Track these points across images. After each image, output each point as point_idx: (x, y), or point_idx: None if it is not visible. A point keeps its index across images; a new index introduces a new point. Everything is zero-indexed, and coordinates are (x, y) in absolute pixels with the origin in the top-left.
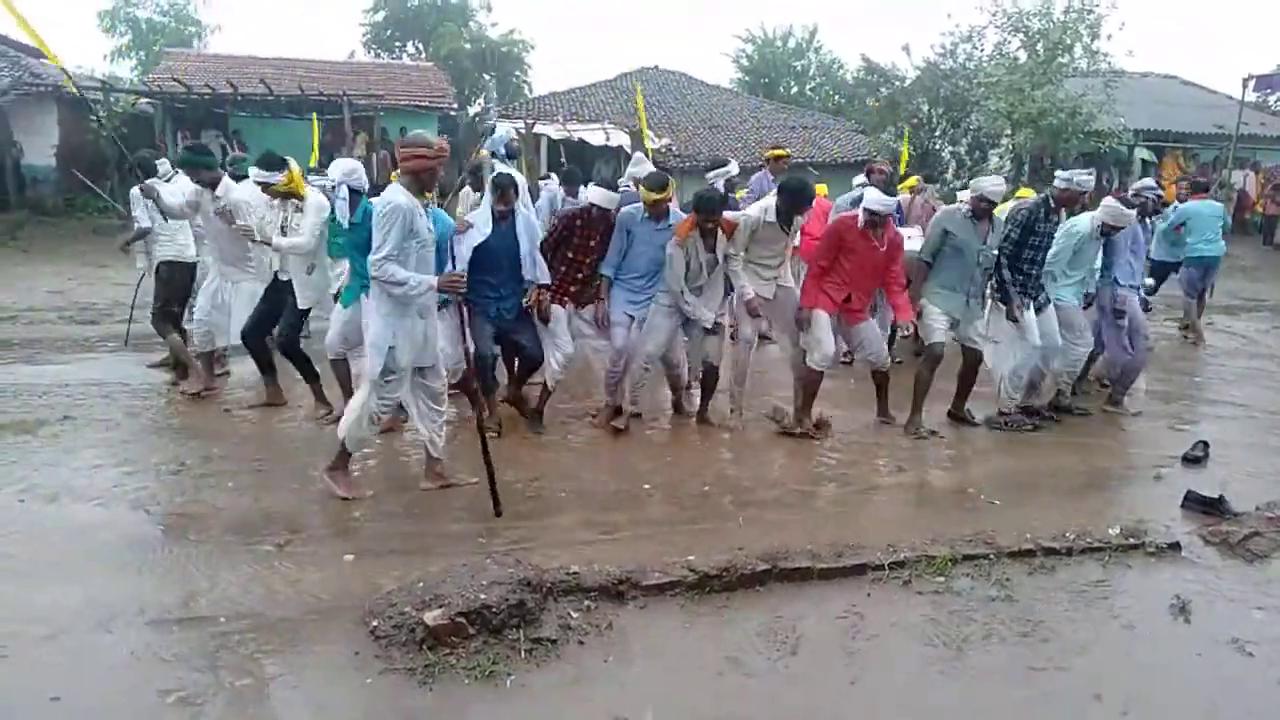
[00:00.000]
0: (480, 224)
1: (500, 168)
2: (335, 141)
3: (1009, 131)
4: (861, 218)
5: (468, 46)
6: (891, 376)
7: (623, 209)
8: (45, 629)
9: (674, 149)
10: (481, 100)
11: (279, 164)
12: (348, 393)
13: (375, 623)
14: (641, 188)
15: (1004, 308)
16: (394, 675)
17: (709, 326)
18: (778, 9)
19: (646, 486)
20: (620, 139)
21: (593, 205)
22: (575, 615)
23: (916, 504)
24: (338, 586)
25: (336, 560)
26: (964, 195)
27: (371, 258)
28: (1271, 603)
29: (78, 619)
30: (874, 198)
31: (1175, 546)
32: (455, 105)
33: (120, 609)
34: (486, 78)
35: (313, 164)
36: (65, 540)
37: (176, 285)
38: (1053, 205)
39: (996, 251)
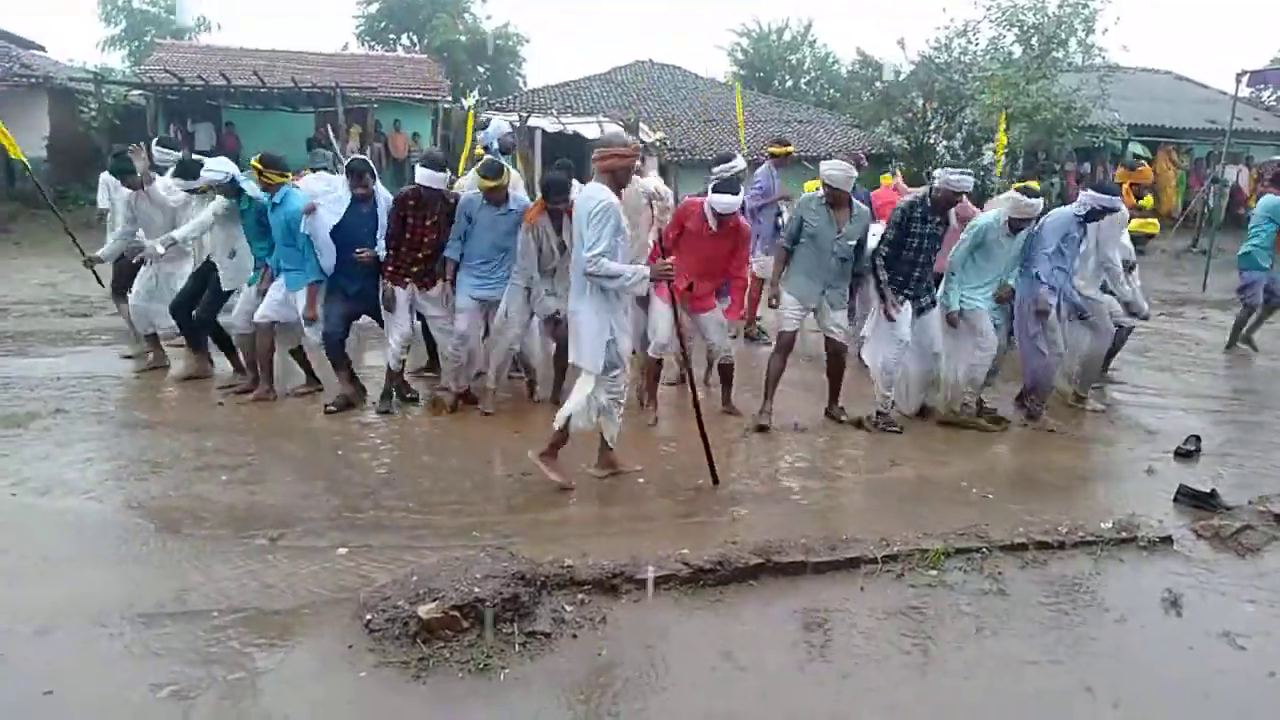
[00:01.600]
0: (332, 205)
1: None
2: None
3: (1004, 126)
4: (711, 220)
5: (462, 39)
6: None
7: (465, 194)
8: (37, 623)
9: (669, 143)
10: (475, 94)
11: (195, 173)
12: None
13: (369, 616)
14: (476, 175)
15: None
16: (387, 669)
17: (554, 312)
18: (772, 3)
19: (641, 480)
20: (615, 132)
21: (420, 186)
22: (569, 609)
23: (909, 498)
24: (331, 580)
25: (330, 553)
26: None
27: (588, 254)
28: (1263, 596)
29: (70, 613)
30: (720, 201)
31: (1167, 540)
32: (449, 98)
33: (112, 603)
34: (482, 70)
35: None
36: (57, 534)
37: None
38: (929, 205)
39: (854, 243)
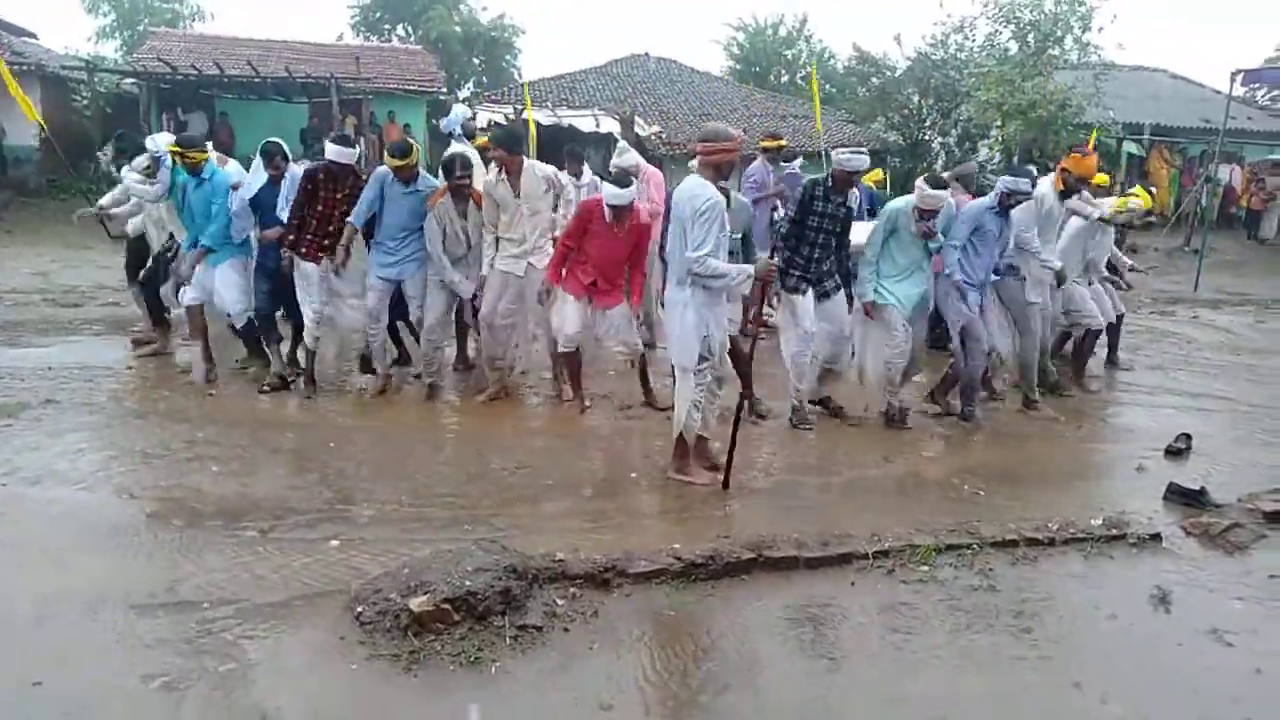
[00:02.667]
0: (253, 184)
1: (457, 147)
2: (322, 125)
3: (999, 123)
4: (608, 213)
5: (458, 30)
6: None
7: (379, 167)
8: (28, 613)
9: (664, 136)
10: (470, 85)
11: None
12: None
13: (360, 609)
14: (386, 154)
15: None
16: (379, 661)
17: (467, 297)
18: None
19: (633, 475)
20: (610, 125)
21: (330, 161)
22: (561, 602)
23: (901, 494)
24: (323, 572)
25: (321, 546)
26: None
27: (693, 254)
28: (1251, 593)
29: (61, 603)
30: (610, 192)
31: (1157, 538)
32: (445, 89)
33: (104, 594)
34: (478, 61)
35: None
36: (48, 525)
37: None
38: (830, 185)
39: (739, 235)
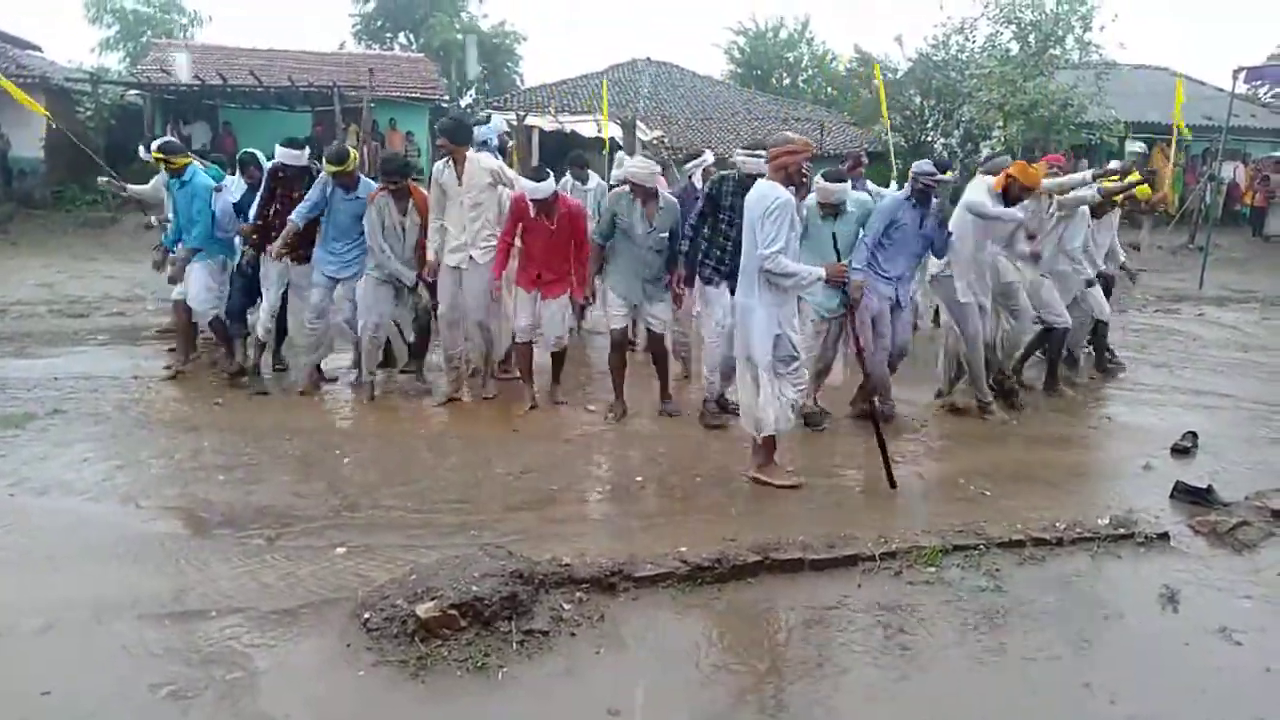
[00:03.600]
0: (235, 191)
1: (486, 158)
2: (326, 133)
3: (1001, 123)
4: (531, 208)
5: (459, 37)
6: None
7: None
8: (36, 623)
9: (666, 141)
10: (473, 92)
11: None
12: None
13: (367, 615)
14: (324, 159)
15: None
16: (386, 667)
17: (409, 285)
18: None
19: (638, 478)
20: (612, 130)
21: (283, 164)
22: (567, 607)
23: (907, 495)
24: (329, 579)
25: (328, 553)
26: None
27: (765, 251)
28: (1259, 592)
29: (68, 613)
30: (528, 187)
31: (1164, 536)
32: (446, 96)
33: (111, 603)
34: (481, 68)
35: None
36: (55, 534)
37: None
38: (737, 181)
39: (665, 234)
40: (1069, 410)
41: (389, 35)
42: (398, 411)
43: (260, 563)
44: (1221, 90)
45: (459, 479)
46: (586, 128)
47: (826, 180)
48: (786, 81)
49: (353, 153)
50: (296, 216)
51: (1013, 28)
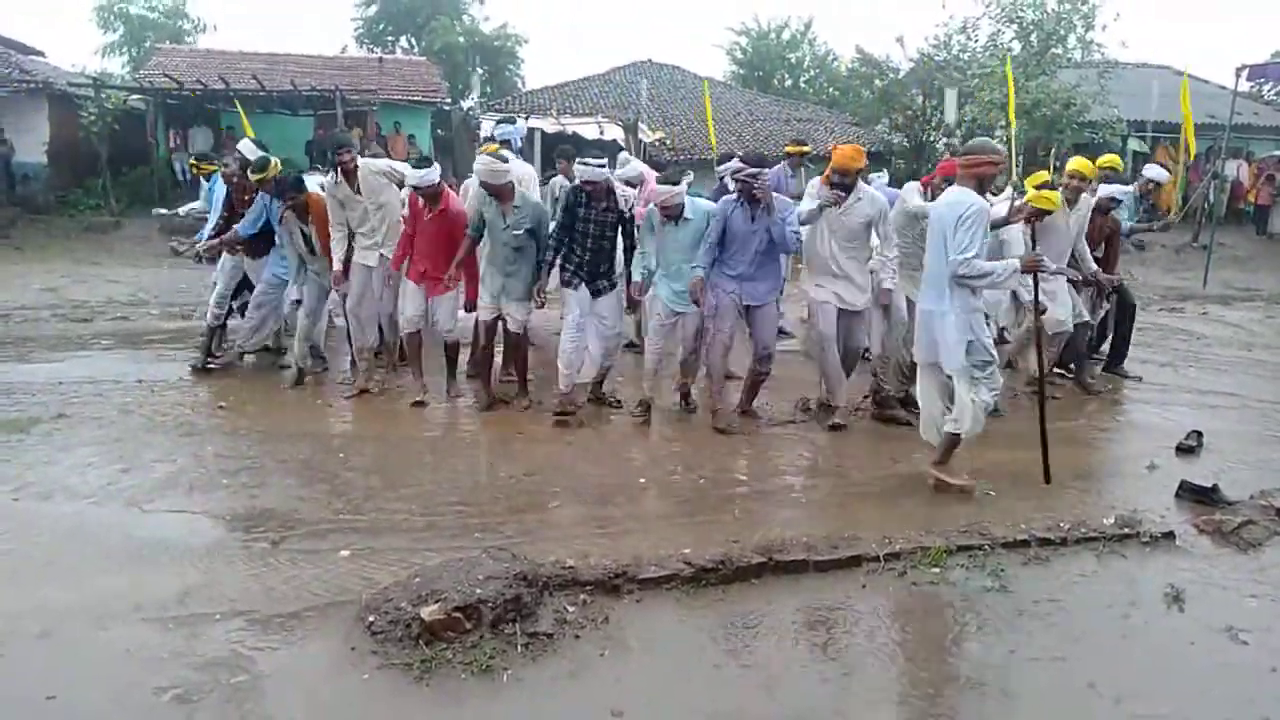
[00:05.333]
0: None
1: (376, 161)
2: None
3: (1003, 123)
4: (420, 201)
5: (461, 40)
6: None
7: None
8: (40, 627)
9: (668, 142)
10: (474, 95)
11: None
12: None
13: (371, 618)
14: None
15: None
16: (390, 670)
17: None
18: (772, 1)
19: (642, 480)
20: (614, 133)
21: (243, 169)
22: (571, 609)
23: (911, 495)
24: (333, 582)
25: (332, 556)
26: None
27: (959, 257)
28: (1265, 591)
29: (73, 617)
30: (414, 175)
31: (1169, 536)
32: (448, 99)
33: (115, 606)
34: (481, 71)
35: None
36: (59, 538)
37: None
38: (588, 192)
39: (521, 232)
40: (1073, 410)
41: (391, 39)
42: (401, 415)
43: (264, 566)
44: (1225, 88)
45: (462, 481)
46: (589, 130)
47: (660, 184)
48: (788, 82)
49: (273, 161)
50: (241, 228)
51: (1014, 27)
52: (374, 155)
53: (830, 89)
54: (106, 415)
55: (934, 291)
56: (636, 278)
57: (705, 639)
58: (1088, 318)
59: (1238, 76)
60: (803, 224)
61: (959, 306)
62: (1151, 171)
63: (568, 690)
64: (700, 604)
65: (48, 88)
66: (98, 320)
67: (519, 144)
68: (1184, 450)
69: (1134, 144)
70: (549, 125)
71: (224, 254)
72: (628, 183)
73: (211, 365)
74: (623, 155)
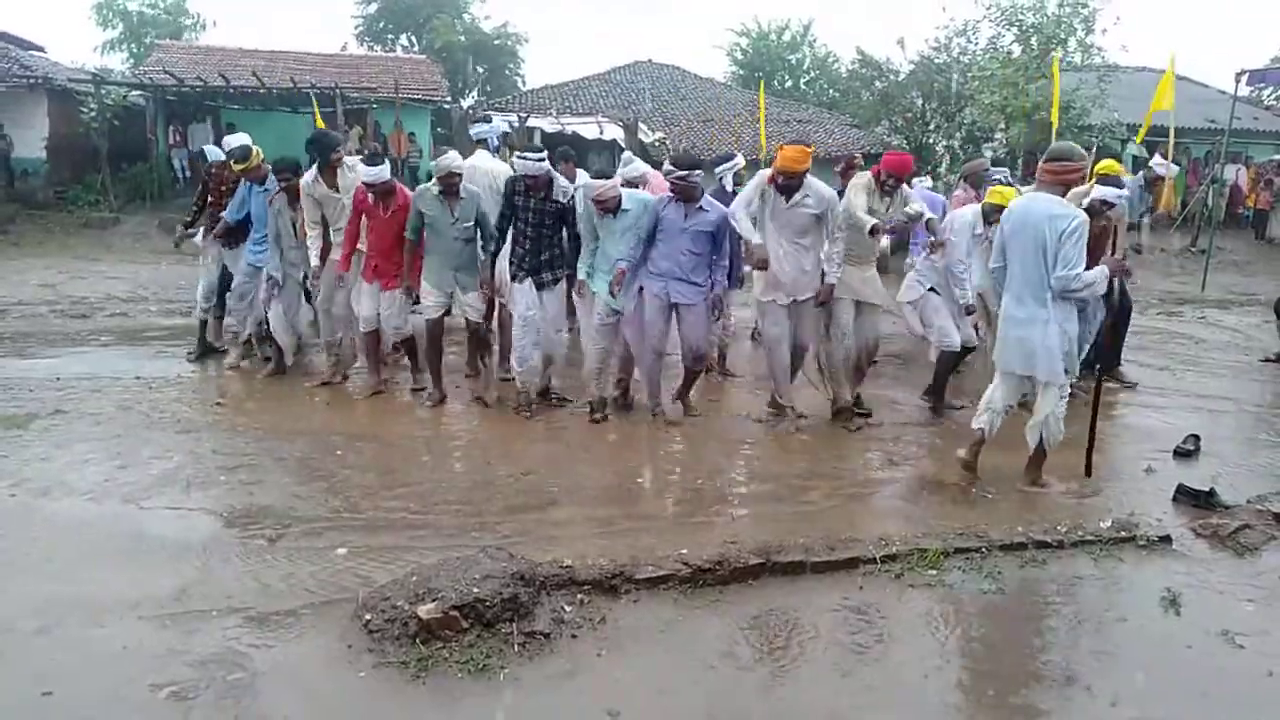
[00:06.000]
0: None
1: (356, 164)
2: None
3: (1003, 126)
4: (369, 196)
5: (461, 39)
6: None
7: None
8: (37, 623)
9: (668, 143)
10: (474, 94)
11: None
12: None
13: (368, 616)
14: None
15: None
16: (387, 669)
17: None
18: (772, 3)
19: (639, 480)
20: (614, 132)
21: (222, 161)
22: (568, 609)
23: (908, 497)
24: (330, 580)
25: (329, 554)
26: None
27: (1068, 272)
28: (1261, 595)
29: (69, 613)
30: (365, 172)
31: (1166, 539)
32: (449, 98)
33: (112, 603)
34: (479, 70)
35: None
36: (56, 534)
37: None
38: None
39: (469, 224)
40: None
41: (391, 37)
42: (399, 413)
43: (261, 563)
44: (1224, 93)
45: (460, 480)
46: (588, 129)
47: (592, 179)
48: (789, 83)
49: (255, 150)
50: (229, 213)
51: (1014, 30)
52: (373, 154)
53: (830, 90)
54: (104, 411)
55: (1032, 301)
56: (581, 275)
57: (702, 640)
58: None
59: (1237, 81)
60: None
61: (1060, 317)
62: (1154, 163)
63: (564, 690)
64: (698, 604)
65: (48, 83)
66: (96, 316)
67: (495, 142)
68: (1181, 454)
69: (1133, 148)
70: (549, 125)
71: (206, 248)
72: (631, 183)
73: (229, 363)
74: (626, 155)
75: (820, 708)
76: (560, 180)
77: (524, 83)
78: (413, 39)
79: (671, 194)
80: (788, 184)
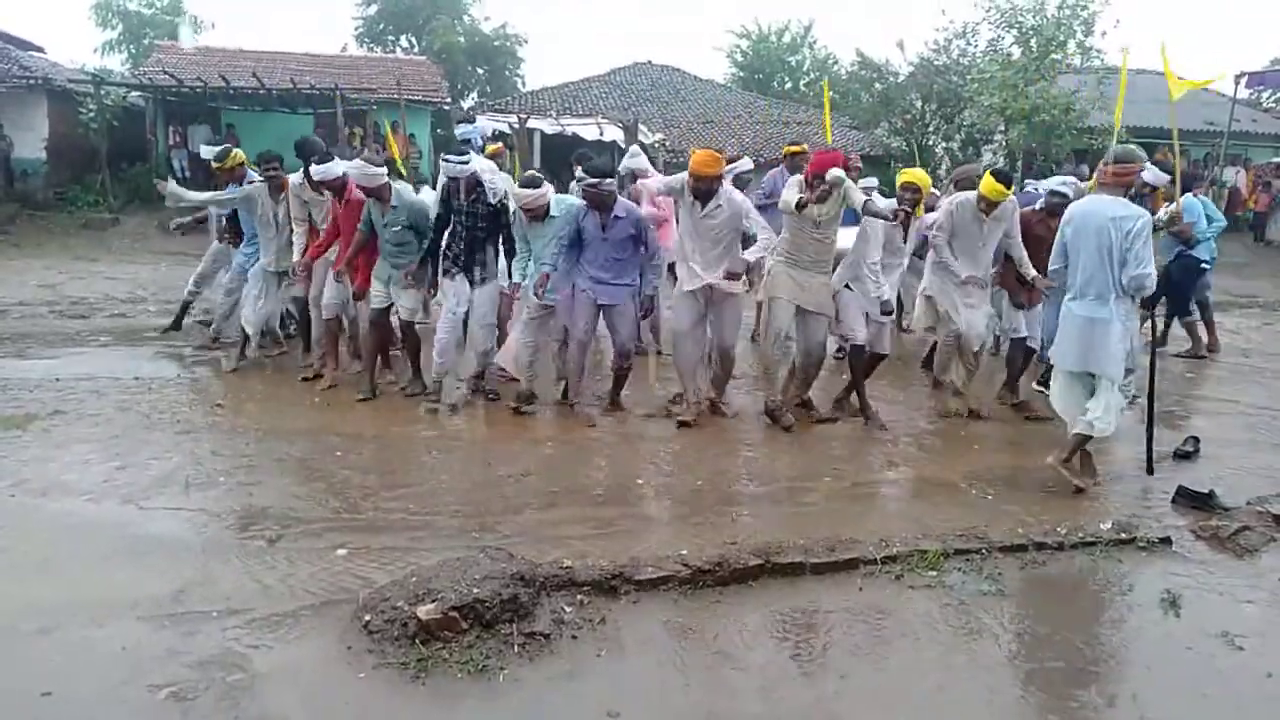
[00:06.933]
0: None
1: (476, 159)
2: (328, 136)
3: (1002, 128)
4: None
5: (461, 40)
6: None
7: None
8: (36, 624)
9: (668, 144)
10: (474, 95)
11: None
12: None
13: (368, 617)
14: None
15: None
16: (387, 670)
17: (278, 271)
18: (772, 4)
19: (639, 481)
20: (614, 133)
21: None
22: (568, 610)
23: (908, 498)
24: (330, 581)
25: (328, 555)
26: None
27: (1143, 271)
28: (1261, 596)
29: (68, 614)
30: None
31: (1166, 541)
32: (448, 99)
33: (111, 604)
34: (481, 71)
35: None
36: (56, 535)
37: None
38: (465, 181)
39: (399, 228)
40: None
41: (391, 38)
42: (398, 413)
43: (260, 564)
44: (1224, 95)
45: (460, 481)
46: (588, 130)
47: (522, 185)
48: (788, 85)
49: (234, 152)
50: (217, 211)
51: (1014, 32)
52: (373, 155)
53: (830, 92)
54: (103, 412)
55: (1096, 300)
56: (516, 278)
57: (702, 640)
58: (1024, 333)
59: (1237, 84)
60: (782, 210)
61: (1123, 314)
62: (1147, 175)
63: (564, 691)
64: (697, 605)
65: (47, 84)
66: (95, 317)
67: (480, 143)
68: (1181, 456)
69: (1131, 149)
70: (549, 126)
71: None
72: (634, 172)
73: (227, 366)
74: (633, 148)
75: (820, 709)
76: (489, 182)
77: (524, 84)
78: (412, 40)
79: (589, 204)
80: (697, 188)
